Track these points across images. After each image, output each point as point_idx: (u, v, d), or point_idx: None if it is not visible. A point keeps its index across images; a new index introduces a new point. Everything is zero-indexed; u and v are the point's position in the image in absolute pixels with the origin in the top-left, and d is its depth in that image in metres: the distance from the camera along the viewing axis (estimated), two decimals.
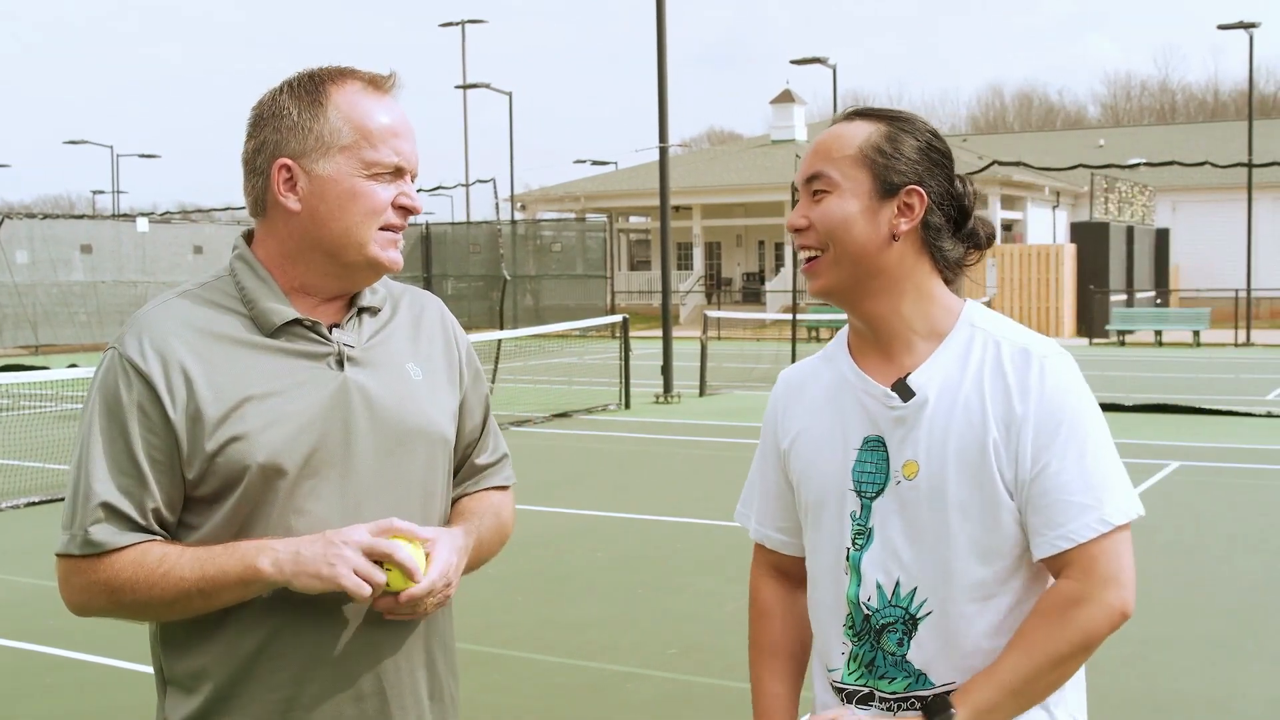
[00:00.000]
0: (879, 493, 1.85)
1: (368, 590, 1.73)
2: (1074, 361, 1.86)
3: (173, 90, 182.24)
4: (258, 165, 1.87)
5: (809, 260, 1.90)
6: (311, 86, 1.85)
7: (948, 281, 1.92)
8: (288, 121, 1.84)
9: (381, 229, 1.86)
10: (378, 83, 1.88)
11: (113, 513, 1.76)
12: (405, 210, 1.88)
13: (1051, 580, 1.83)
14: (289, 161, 1.83)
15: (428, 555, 1.81)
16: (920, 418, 1.83)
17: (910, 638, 1.84)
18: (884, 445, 1.86)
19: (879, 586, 1.85)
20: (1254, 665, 5.67)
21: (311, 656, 1.82)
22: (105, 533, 1.76)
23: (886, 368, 1.88)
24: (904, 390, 1.84)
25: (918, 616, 1.83)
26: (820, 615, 1.95)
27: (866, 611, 1.86)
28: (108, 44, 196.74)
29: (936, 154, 1.88)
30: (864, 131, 1.88)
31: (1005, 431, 1.79)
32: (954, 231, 1.90)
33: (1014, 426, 1.78)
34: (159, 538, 1.79)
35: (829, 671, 1.93)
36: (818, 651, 1.97)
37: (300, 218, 1.84)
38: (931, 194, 1.86)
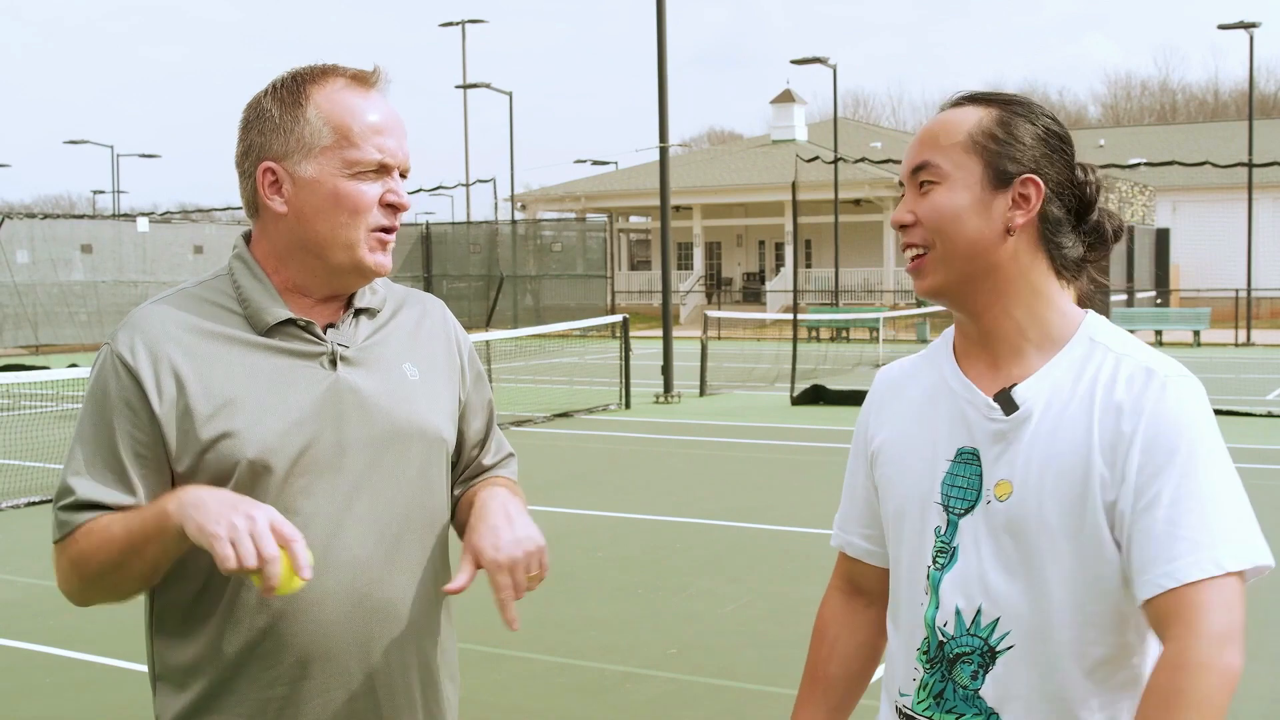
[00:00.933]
0: (968, 510, 1.69)
1: (233, 562, 1.60)
2: (1202, 389, 1.66)
3: (173, 90, 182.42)
4: (245, 168, 1.87)
5: (915, 258, 1.74)
6: (293, 87, 1.84)
7: (1068, 283, 1.75)
8: (270, 124, 1.84)
9: (373, 230, 1.84)
10: (361, 79, 1.87)
11: (85, 503, 1.78)
12: (394, 208, 1.86)
13: (1153, 639, 1.63)
14: (273, 165, 1.83)
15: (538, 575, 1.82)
16: (1021, 434, 1.66)
17: (986, 672, 1.66)
18: (979, 459, 1.69)
19: (958, 612, 1.68)
20: (1254, 665, 5.68)
21: (304, 655, 1.82)
22: (70, 515, 1.78)
23: (992, 375, 1.72)
24: (1007, 402, 1.68)
25: (997, 650, 1.66)
26: (897, 635, 1.80)
27: (941, 638, 1.70)
28: (108, 44, 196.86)
29: (1055, 139, 1.72)
30: (975, 116, 1.71)
31: (1110, 455, 1.60)
32: (1075, 225, 1.73)
33: (1120, 447, 1.59)
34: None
35: (900, 696, 1.78)
36: (890, 672, 1.81)
37: (287, 220, 1.84)
38: (1050, 183, 1.69)
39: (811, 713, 1.93)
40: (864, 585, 1.94)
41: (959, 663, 1.69)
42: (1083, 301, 1.77)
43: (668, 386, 17.21)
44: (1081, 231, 1.73)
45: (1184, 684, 1.51)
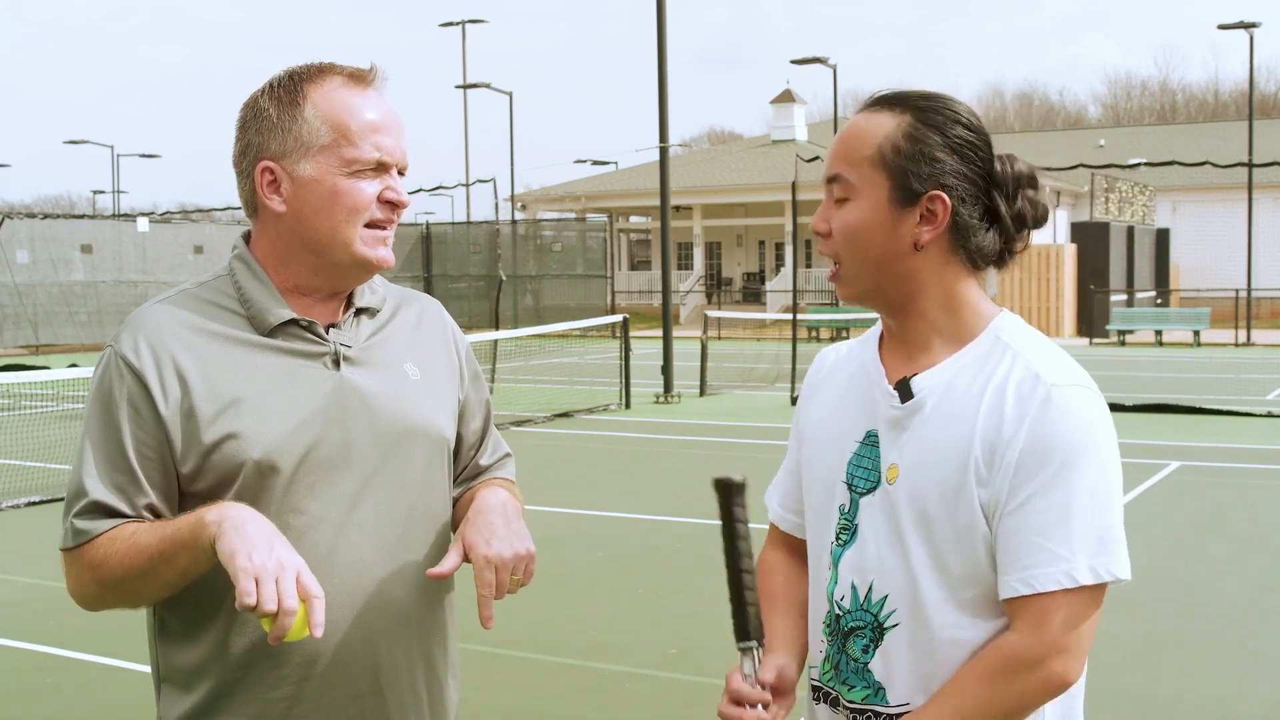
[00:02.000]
0: (869, 490, 1.76)
1: (252, 600, 1.58)
2: (1096, 398, 1.69)
3: (173, 90, 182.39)
4: (243, 168, 1.87)
5: (833, 269, 1.80)
6: (290, 86, 1.84)
7: (994, 268, 1.78)
8: (268, 123, 1.84)
9: (368, 226, 1.84)
10: (358, 77, 1.87)
11: (102, 509, 1.77)
12: (392, 205, 1.86)
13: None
14: (271, 164, 1.83)
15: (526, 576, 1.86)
16: (912, 422, 1.72)
17: (876, 646, 1.73)
18: (879, 443, 1.76)
19: (853, 587, 1.76)
20: (1254, 665, 5.67)
21: (309, 655, 1.82)
22: (89, 523, 1.77)
23: (905, 365, 1.77)
24: (904, 390, 1.74)
25: (885, 626, 1.73)
26: (812, 611, 1.87)
27: (839, 612, 1.78)
28: (108, 44, 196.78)
29: (968, 146, 1.71)
30: (885, 127, 1.72)
31: (989, 455, 1.64)
32: (994, 220, 1.74)
33: (999, 449, 1.64)
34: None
35: (812, 669, 1.86)
36: (811, 644, 1.88)
37: (286, 219, 1.84)
38: (959, 192, 1.70)
39: (783, 620, 1.90)
40: (796, 551, 1.98)
41: (852, 636, 1.76)
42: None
43: (668, 386, 17.21)
44: (999, 225, 1.74)
45: (1008, 670, 1.62)
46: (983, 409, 1.67)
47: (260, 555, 1.62)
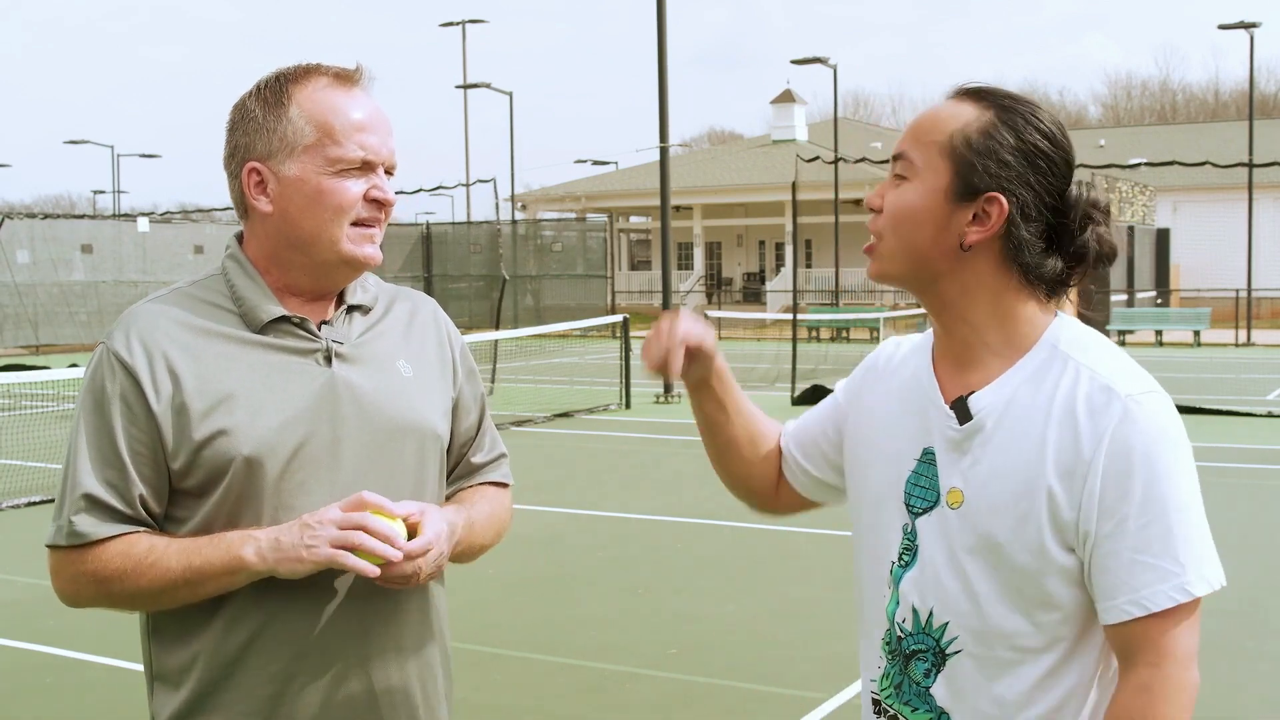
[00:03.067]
0: (927, 510, 1.69)
1: (351, 559, 1.72)
2: (1168, 404, 1.62)
3: (173, 90, 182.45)
4: (232, 169, 1.88)
5: (870, 241, 1.73)
6: (276, 87, 1.86)
7: (1046, 296, 1.67)
8: (254, 124, 1.85)
9: (355, 225, 1.85)
10: (344, 77, 1.88)
11: (96, 504, 1.78)
12: (378, 204, 1.87)
13: (1101, 643, 1.65)
14: (258, 164, 1.85)
15: (415, 526, 1.80)
16: (973, 445, 1.64)
17: (938, 671, 1.68)
18: (936, 462, 1.69)
19: (914, 611, 1.70)
20: (1254, 665, 5.67)
21: (299, 652, 1.83)
22: (88, 523, 1.78)
23: (958, 376, 1.69)
24: (963, 411, 1.65)
25: (947, 652, 1.67)
26: (865, 620, 1.82)
27: (900, 633, 1.73)
28: (108, 44, 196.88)
29: (1043, 157, 1.63)
30: (964, 118, 1.64)
31: (1067, 479, 1.57)
32: (1057, 246, 1.65)
33: (1078, 473, 1.57)
34: (144, 529, 1.80)
35: (870, 681, 1.81)
36: (863, 657, 1.84)
37: (274, 219, 1.86)
38: (1020, 204, 1.61)
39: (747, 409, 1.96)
40: (773, 461, 1.99)
41: (914, 659, 1.71)
42: (1085, 299, 1.75)
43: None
44: (1062, 252, 1.66)
45: (1160, 705, 1.56)
46: (1052, 428, 1.59)
47: (309, 541, 1.73)
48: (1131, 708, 1.58)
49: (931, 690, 1.70)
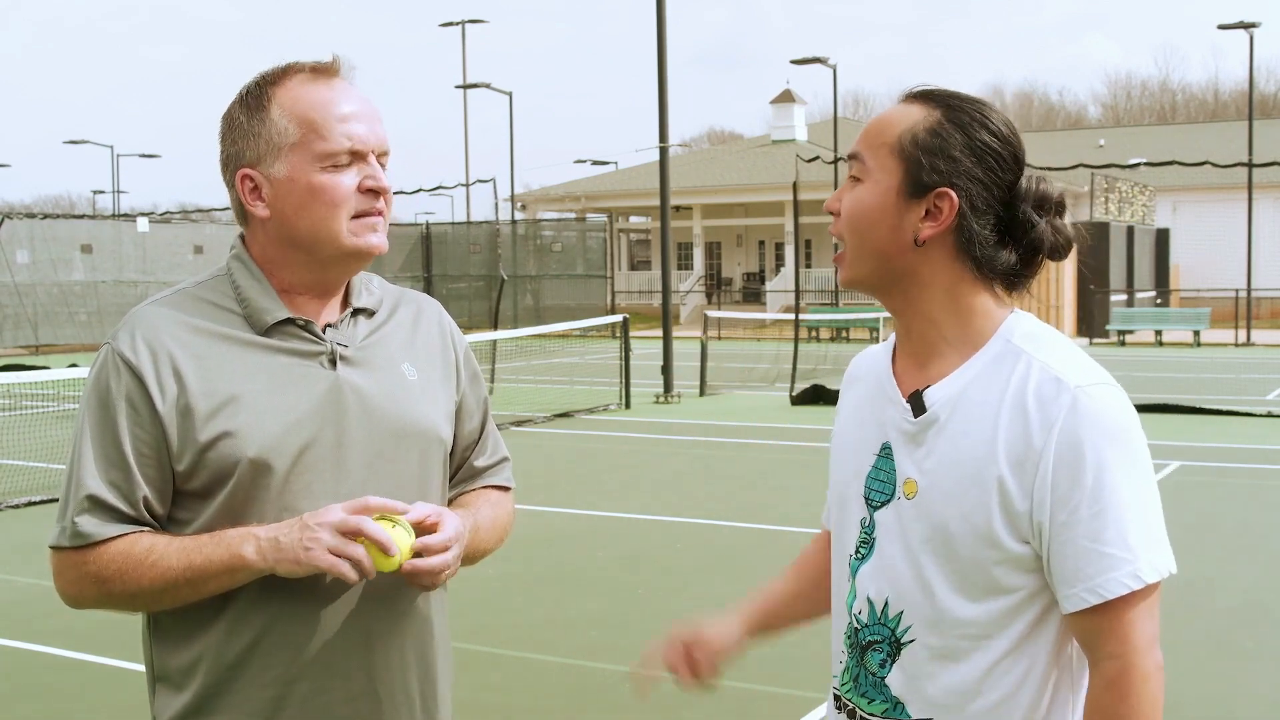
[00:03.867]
0: (884, 504, 1.74)
1: (345, 568, 1.72)
2: (1120, 394, 1.64)
3: (173, 90, 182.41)
4: (227, 178, 1.89)
5: (837, 250, 1.78)
6: (257, 92, 1.86)
7: (1004, 289, 1.72)
8: (240, 131, 1.85)
9: (354, 217, 1.84)
10: (321, 70, 1.87)
11: (100, 505, 1.78)
12: (375, 193, 1.86)
13: (1055, 627, 1.67)
14: (249, 171, 1.85)
15: (435, 526, 1.80)
16: (927, 436, 1.69)
17: (893, 661, 1.72)
18: (894, 456, 1.74)
19: (870, 602, 1.74)
20: (1254, 665, 5.67)
21: (302, 654, 1.82)
22: (92, 524, 1.78)
23: (918, 373, 1.74)
24: (918, 404, 1.70)
25: (902, 641, 1.71)
26: (834, 617, 1.87)
27: (857, 625, 1.77)
28: (108, 44, 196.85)
29: (990, 152, 1.68)
30: (912, 118, 1.70)
31: (1018, 469, 1.61)
32: (1007, 239, 1.69)
33: (1029, 463, 1.60)
34: (147, 529, 1.80)
35: (833, 676, 1.85)
36: (832, 653, 1.88)
37: (272, 223, 1.85)
38: (970, 198, 1.66)
39: (784, 584, 2.06)
40: None
41: (870, 650, 1.75)
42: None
43: (668, 386, 17.21)
44: (1016, 244, 1.70)
45: (1131, 698, 1.60)
46: (1003, 420, 1.62)
47: (307, 543, 1.72)
48: (1103, 704, 1.62)
49: (886, 680, 1.73)
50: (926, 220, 1.68)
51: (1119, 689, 1.60)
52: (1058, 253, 1.72)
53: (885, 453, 1.75)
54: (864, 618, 1.76)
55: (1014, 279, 1.72)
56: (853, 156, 1.75)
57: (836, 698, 1.84)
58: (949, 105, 1.71)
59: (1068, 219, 1.74)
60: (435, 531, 1.81)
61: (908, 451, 1.71)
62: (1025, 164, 1.72)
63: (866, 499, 1.77)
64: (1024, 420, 1.61)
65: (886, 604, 1.72)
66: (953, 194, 1.66)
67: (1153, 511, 1.63)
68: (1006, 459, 1.61)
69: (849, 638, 1.79)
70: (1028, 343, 1.68)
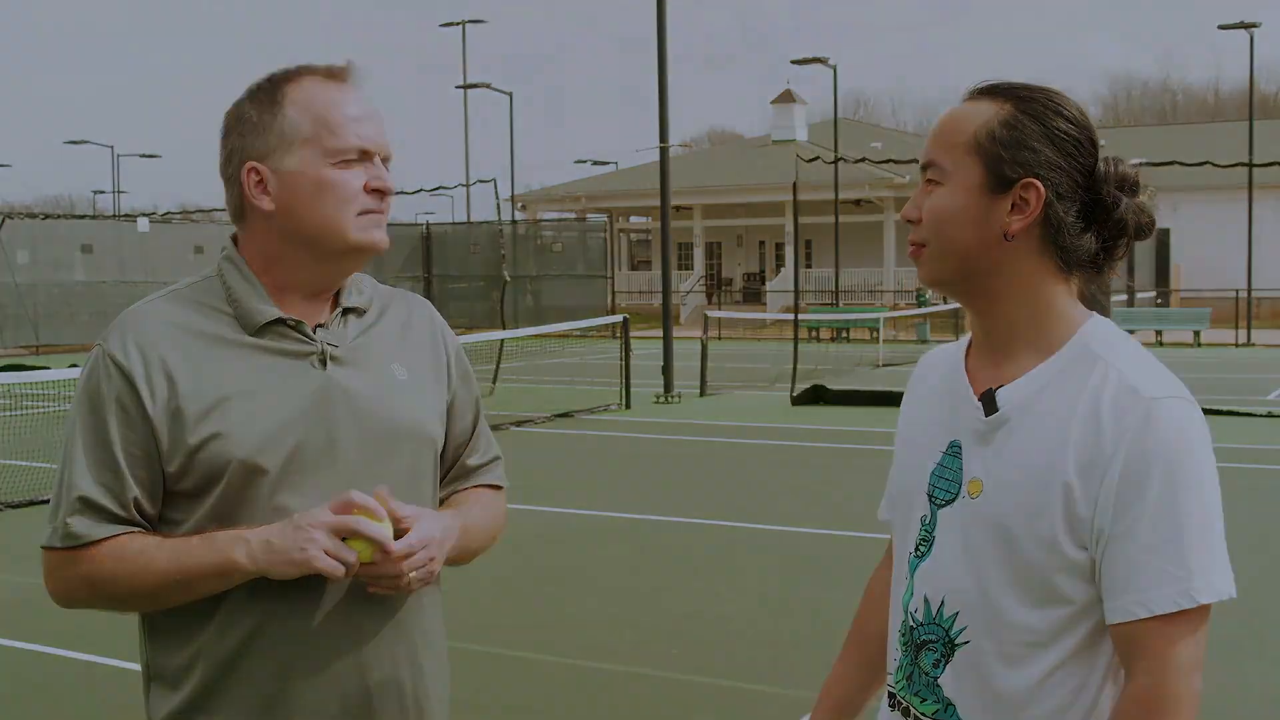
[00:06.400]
0: (948, 502, 1.71)
1: (342, 570, 1.73)
2: (1194, 410, 1.62)
3: (173, 90, 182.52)
4: (230, 173, 1.89)
5: (913, 247, 1.75)
6: (269, 87, 1.88)
7: (1078, 280, 1.71)
8: (249, 125, 1.86)
9: (360, 214, 1.86)
10: (334, 73, 1.90)
11: (91, 506, 1.78)
12: (380, 193, 1.88)
13: (1102, 655, 1.64)
14: (256, 164, 1.85)
15: (405, 528, 1.80)
16: (996, 436, 1.66)
17: (946, 662, 1.69)
18: (962, 454, 1.71)
19: (926, 601, 1.72)
20: (1254, 665, 5.67)
21: (295, 653, 1.83)
22: (83, 525, 1.78)
23: (992, 372, 1.71)
24: (989, 403, 1.67)
25: (956, 643, 1.68)
26: (891, 616, 1.85)
27: (912, 624, 1.75)
28: (108, 44, 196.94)
29: (1067, 139, 1.66)
30: (984, 115, 1.68)
31: (1085, 475, 1.58)
32: (1090, 224, 1.67)
33: (1097, 470, 1.57)
34: (139, 530, 1.81)
35: (889, 675, 1.83)
36: (889, 652, 1.86)
37: (276, 217, 1.86)
38: (1054, 186, 1.64)
39: (845, 666, 2.00)
40: None
41: (924, 649, 1.73)
42: (1086, 300, 1.74)
43: (668, 386, 17.21)
44: (1099, 228, 1.68)
45: (1157, 716, 1.55)
46: (1075, 425, 1.60)
47: (302, 544, 1.72)
48: (1135, 716, 1.58)
49: (939, 681, 1.70)
50: (1014, 213, 1.66)
51: (1145, 708, 1.57)
52: (1142, 232, 1.70)
53: (953, 450, 1.72)
54: (920, 616, 1.74)
55: (1098, 266, 1.71)
56: (928, 164, 1.72)
57: (891, 695, 1.81)
58: (1019, 97, 1.69)
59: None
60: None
61: (976, 451, 1.69)
62: (1099, 146, 1.70)
63: (930, 496, 1.74)
64: (1096, 427, 1.59)
65: (943, 604, 1.70)
66: (1039, 184, 1.64)
67: (1215, 532, 1.59)
68: (1075, 464, 1.59)
69: (904, 635, 1.77)
70: (1106, 349, 1.66)
